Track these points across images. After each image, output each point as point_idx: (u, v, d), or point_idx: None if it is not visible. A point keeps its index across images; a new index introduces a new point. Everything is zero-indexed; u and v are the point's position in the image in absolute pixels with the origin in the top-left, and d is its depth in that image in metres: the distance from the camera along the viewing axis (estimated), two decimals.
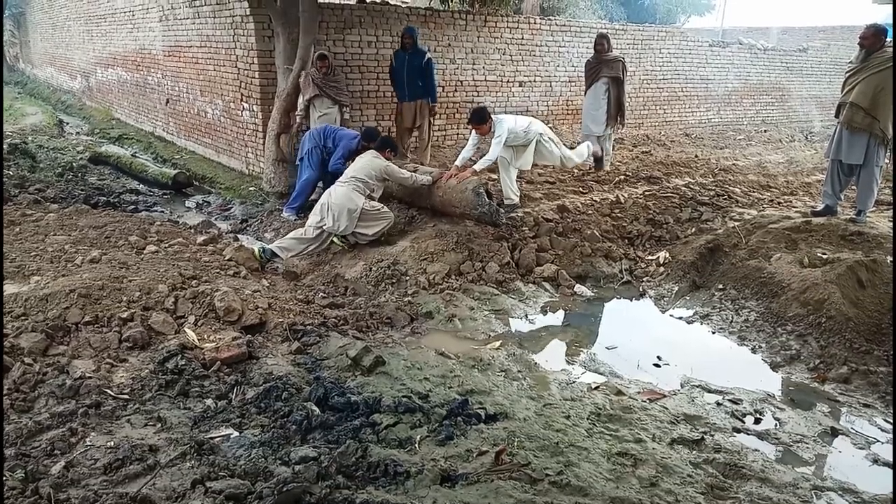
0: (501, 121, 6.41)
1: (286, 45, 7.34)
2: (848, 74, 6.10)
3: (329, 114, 7.50)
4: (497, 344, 4.59)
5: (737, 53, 13.77)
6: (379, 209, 6.08)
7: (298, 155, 7.17)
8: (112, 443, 3.07)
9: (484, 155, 6.38)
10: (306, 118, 7.60)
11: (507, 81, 10.49)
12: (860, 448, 3.55)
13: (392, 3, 9.73)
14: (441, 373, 4.01)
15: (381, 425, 3.34)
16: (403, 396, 3.63)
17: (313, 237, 5.95)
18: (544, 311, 5.32)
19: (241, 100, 8.58)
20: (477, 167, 6.36)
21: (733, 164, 9.64)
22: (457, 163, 6.53)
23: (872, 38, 5.82)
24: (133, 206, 7.77)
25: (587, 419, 3.56)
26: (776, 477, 3.15)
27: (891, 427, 3.72)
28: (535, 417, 3.53)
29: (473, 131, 6.52)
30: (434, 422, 3.41)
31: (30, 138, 11.00)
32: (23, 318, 3.96)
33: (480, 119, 6.35)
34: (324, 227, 5.92)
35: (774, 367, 4.45)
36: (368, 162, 6.14)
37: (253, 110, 8.36)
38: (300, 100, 7.49)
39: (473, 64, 10.02)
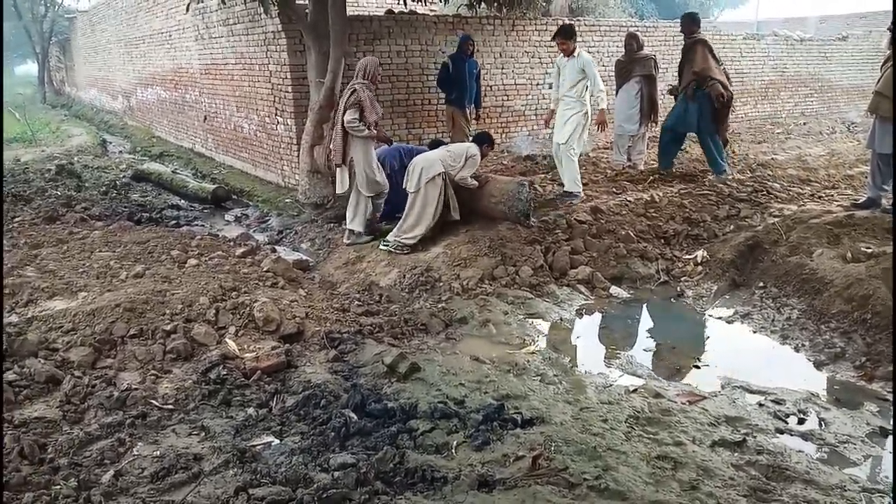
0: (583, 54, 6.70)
1: (317, 58, 7.45)
2: (882, 63, 5.99)
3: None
4: (532, 348, 4.58)
5: (772, 45, 13.45)
6: (432, 203, 6.09)
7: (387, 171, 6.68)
8: (158, 452, 3.18)
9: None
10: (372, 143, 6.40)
11: (537, 84, 10.46)
12: None
13: (420, 12, 9.80)
14: (476, 378, 4.02)
15: (418, 431, 3.37)
16: (439, 402, 3.65)
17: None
18: (579, 314, 5.29)
19: (276, 114, 8.76)
20: (603, 106, 6.83)
21: (772, 159, 9.42)
22: (552, 105, 6.96)
23: None
24: (174, 221, 8.01)
25: (625, 423, 3.53)
26: (822, 479, 3.06)
27: None
28: (571, 422, 3.51)
29: (560, 57, 6.75)
30: (470, 427, 3.41)
31: (75, 159, 11.44)
32: (72, 332, 4.13)
33: (571, 34, 6.41)
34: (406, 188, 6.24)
35: (818, 365, 4.33)
36: (466, 147, 6.41)
37: (287, 124, 8.52)
38: (367, 117, 6.19)
39: (502, 68, 10.02)
